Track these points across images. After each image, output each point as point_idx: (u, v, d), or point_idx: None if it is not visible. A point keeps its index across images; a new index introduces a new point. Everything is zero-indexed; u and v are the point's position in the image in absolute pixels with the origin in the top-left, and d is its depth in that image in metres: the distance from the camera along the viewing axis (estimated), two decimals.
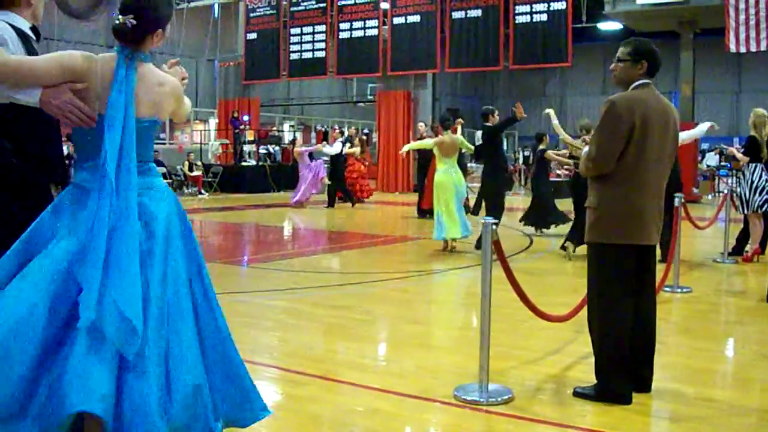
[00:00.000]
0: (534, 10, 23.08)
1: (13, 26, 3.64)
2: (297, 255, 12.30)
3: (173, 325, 3.26)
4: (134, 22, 3.40)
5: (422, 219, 16.86)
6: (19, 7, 3.76)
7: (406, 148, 14.35)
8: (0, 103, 3.33)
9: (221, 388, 3.42)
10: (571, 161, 13.06)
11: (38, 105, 3.29)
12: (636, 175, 4.77)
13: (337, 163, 20.99)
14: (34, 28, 3.81)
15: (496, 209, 11.53)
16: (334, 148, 21.10)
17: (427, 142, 13.39)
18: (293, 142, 22.07)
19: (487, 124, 11.97)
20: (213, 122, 33.67)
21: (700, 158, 29.09)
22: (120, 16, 3.42)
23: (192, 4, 32.77)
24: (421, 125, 19.43)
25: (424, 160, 16.70)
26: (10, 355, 2.95)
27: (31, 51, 3.67)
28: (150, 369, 3.08)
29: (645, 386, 4.98)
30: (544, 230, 14.54)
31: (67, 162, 4.14)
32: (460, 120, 13.35)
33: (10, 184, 3.44)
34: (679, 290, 8.62)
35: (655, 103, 4.83)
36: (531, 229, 14.58)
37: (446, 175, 11.95)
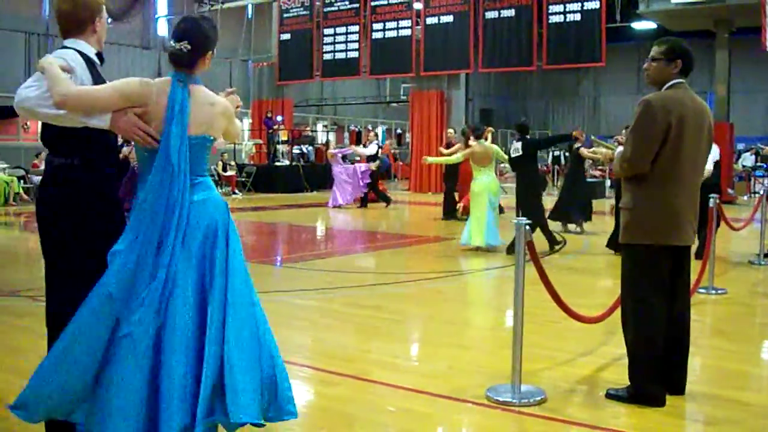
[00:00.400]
0: (567, 9, 22.99)
1: (81, 53, 4.04)
2: (330, 255, 12.34)
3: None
4: (189, 47, 3.81)
5: (448, 220, 16.80)
6: (86, 35, 4.17)
7: (431, 160, 14.36)
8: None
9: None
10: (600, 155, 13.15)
11: (108, 128, 3.70)
12: (671, 176, 4.74)
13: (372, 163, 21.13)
14: (99, 54, 4.18)
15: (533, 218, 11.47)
16: (370, 150, 21.15)
17: (456, 157, 13.70)
18: (326, 144, 22.11)
19: (527, 137, 11.86)
20: (246, 122, 33.82)
21: (735, 159, 28.83)
22: (175, 43, 3.82)
23: (226, 5, 32.98)
24: (450, 132, 19.24)
25: (452, 167, 16.74)
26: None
27: (96, 75, 4.01)
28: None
29: (678, 389, 4.95)
30: (569, 226, 14.60)
31: None
32: (490, 128, 13.26)
33: (80, 195, 3.82)
34: (714, 292, 8.56)
35: (691, 103, 4.80)
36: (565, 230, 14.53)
37: (481, 184, 12.04)
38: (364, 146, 21.64)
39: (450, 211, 17.02)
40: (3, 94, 27.82)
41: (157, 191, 3.58)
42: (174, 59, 3.84)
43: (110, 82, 3.79)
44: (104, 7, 4.25)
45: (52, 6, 31.70)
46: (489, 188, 12.00)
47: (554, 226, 14.22)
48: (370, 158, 20.96)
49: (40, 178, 19.36)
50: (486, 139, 12.67)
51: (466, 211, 15.24)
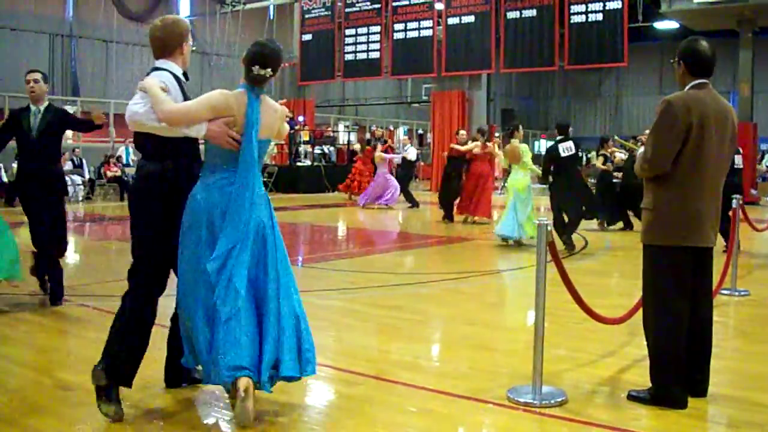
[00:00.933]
0: (589, 9, 22.94)
1: (171, 73, 4.80)
2: (351, 255, 12.37)
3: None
4: (272, 73, 4.58)
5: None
6: (174, 57, 4.96)
7: (455, 147, 15.22)
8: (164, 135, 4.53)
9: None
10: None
11: (203, 137, 4.52)
12: (693, 177, 4.72)
13: (409, 166, 21.34)
14: (184, 73, 4.97)
15: (577, 219, 12.25)
16: (411, 154, 21.66)
17: (471, 146, 15.98)
18: (374, 147, 22.09)
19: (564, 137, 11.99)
20: None
21: (759, 159, 28.62)
22: (261, 70, 4.55)
23: (248, 6, 33.09)
24: (462, 133, 19.15)
25: (453, 169, 17.01)
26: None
27: (184, 91, 4.79)
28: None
29: (700, 391, 4.93)
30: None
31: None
32: (519, 133, 13.27)
33: (168, 192, 4.62)
34: (736, 293, 8.51)
35: (713, 103, 4.77)
36: (587, 231, 14.50)
37: (510, 180, 13.06)
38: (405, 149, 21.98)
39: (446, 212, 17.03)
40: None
41: (243, 186, 4.45)
42: (257, 81, 4.60)
43: (199, 97, 4.61)
44: (190, 34, 5.09)
45: (75, 8, 31.99)
46: (515, 185, 12.56)
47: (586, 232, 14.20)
48: (406, 161, 21.21)
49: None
50: (518, 140, 13.00)
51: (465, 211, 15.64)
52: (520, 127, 13.55)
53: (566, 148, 11.82)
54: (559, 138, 12.06)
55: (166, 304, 4.88)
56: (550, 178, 12.15)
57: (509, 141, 13.02)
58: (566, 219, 12.05)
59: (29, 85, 7.55)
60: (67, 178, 22.61)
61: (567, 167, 12.08)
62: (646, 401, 4.81)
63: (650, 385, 4.86)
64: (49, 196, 7.61)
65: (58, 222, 7.76)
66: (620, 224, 15.32)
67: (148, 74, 4.79)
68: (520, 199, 12.46)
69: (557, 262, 5.10)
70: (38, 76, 7.65)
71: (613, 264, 11.09)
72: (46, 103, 7.66)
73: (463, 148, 16.06)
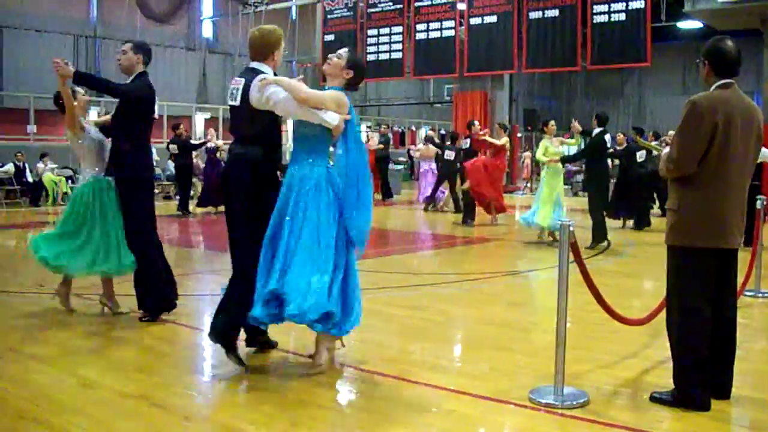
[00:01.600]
0: (612, 9, 22.83)
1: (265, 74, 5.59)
2: (373, 255, 12.36)
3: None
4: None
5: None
6: (267, 61, 5.81)
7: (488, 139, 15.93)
8: (261, 124, 5.59)
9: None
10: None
11: (334, 126, 5.40)
12: (718, 177, 4.69)
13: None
14: (274, 73, 5.71)
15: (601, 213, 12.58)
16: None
17: (502, 141, 15.95)
18: (430, 140, 22.06)
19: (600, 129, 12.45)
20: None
21: None
22: (358, 78, 5.84)
23: (270, 7, 33.18)
24: (476, 125, 18.85)
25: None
26: None
27: None
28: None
29: (724, 393, 4.90)
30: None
31: None
32: (549, 128, 13.61)
33: (262, 176, 5.59)
34: (761, 295, 8.45)
35: (739, 103, 4.74)
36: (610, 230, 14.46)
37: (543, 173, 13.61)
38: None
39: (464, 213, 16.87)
40: (53, 95, 28.35)
41: (356, 163, 5.58)
42: (353, 85, 5.84)
43: (325, 91, 5.61)
44: (282, 42, 5.96)
45: (99, 10, 32.18)
46: (543, 179, 13.33)
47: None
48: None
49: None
50: (550, 135, 13.37)
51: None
52: (551, 122, 13.78)
53: (608, 139, 12.46)
54: (600, 130, 12.43)
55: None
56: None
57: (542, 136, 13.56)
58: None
59: (117, 57, 7.18)
60: None
61: (605, 158, 12.81)
62: (669, 403, 4.79)
63: (673, 386, 4.83)
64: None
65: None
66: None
67: (241, 74, 5.70)
68: (538, 193, 13.24)
69: (579, 263, 5.09)
70: (126, 46, 7.10)
71: (636, 265, 11.04)
72: (136, 74, 7.07)
73: (498, 142, 15.95)
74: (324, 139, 5.53)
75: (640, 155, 14.67)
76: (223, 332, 5.52)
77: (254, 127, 5.58)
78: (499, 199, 16.15)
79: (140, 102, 6.96)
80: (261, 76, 5.44)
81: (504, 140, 16.19)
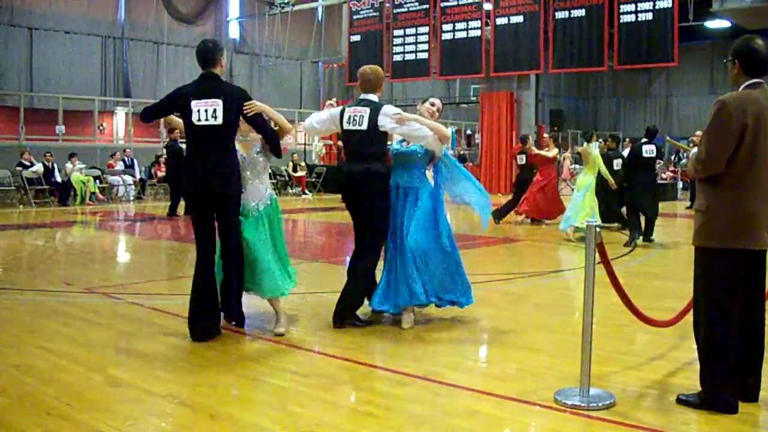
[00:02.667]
0: (639, 9, 22.75)
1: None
2: None
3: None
4: None
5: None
6: (375, 93, 7.11)
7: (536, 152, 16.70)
8: (380, 145, 7.16)
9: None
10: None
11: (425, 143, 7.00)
12: (747, 178, 4.65)
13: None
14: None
15: (654, 216, 13.40)
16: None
17: (553, 152, 16.85)
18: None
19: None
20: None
21: None
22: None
23: (297, 8, 33.27)
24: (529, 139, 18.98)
25: (527, 172, 17.07)
26: None
27: None
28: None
29: (752, 395, 4.85)
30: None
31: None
32: (594, 138, 14.50)
33: (387, 184, 7.11)
34: None
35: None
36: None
37: (579, 178, 14.46)
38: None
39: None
40: (81, 96, 28.59)
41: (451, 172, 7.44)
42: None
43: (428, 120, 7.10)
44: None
45: (127, 11, 32.39)
46: (579, 184, 14.09)
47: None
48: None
49: (115, 178, 19.82)
50: (593, 143, 14.11)
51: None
52: (594, 134, 14.69)
53: (648, 150, 13.06)
54: (644, 140, 13.25)
55: None
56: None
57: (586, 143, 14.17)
58: (643, 217, 13.21)
59: None
60: (118, 178, 23.06)
61: (647, 167, 13.40)
62: (696, 405, 4.75)
63: (700, 389, 4.79)
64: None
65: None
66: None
67: (360, 104, 7.00)
68: (575, 197, 13.83)
69: (606, 264, 5.06)
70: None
71: (664, 266, 10.97)
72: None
73: (550, 154, 16.64)
74: (425, 160, 7.14)
75: (617, 163, 14.74)
76: (348, 305, 7.03)
77: (375, 147, 7.03)
78: (561, 208, 16.19)
79: None
80: (396, 110, 6.97)
81: (554, 152, 16.80)
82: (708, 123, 4.71)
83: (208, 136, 6.29)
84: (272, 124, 6.75)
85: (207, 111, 6.22)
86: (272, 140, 6.65)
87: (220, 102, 6.24)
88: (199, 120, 6.24)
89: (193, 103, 6.26)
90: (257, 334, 6.76)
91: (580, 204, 13.50)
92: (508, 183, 27.24)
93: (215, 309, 6.50)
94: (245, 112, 6.34)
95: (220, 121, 6.23)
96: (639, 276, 9.91)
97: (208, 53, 6.38)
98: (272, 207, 6.83)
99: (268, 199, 6.80)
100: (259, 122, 6.48)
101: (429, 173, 7.24)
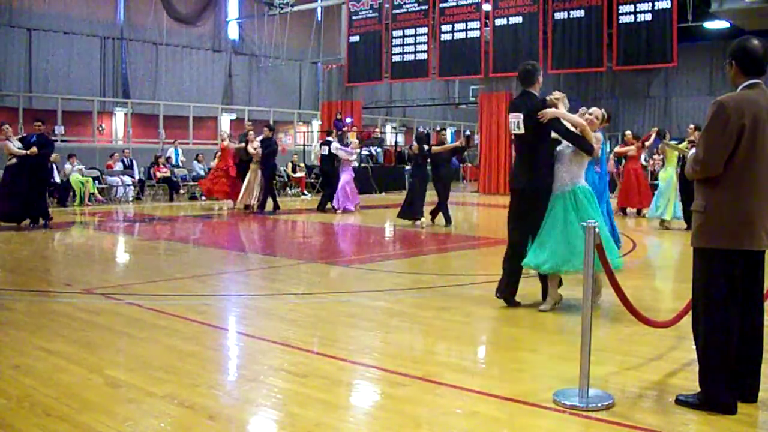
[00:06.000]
0: (638, 9, 22.80)
1: (535, 95, 7.82)
2: (398, 256, 12.38)
3: None
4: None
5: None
6: (534, 86, 7.72)
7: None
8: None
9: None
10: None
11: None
12: (746, 178, 4.65)
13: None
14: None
15: None
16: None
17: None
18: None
19: None
20: (316, 124, 34.09)
21: None
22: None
23: (296, 8, 33.27)
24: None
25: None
26: None
27: None
28: None
29: (751, 396, 4.85)
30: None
31: None
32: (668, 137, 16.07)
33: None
34: None
35: (766, 104, 4.69)
36: (636, 233, 14.43)
37: (660, 173, 16.50)
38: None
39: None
40: (80, 96, 28.60)
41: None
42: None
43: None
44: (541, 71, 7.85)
45: (126, 11, 32.39)
46: (662, 176, 16.05)
47: (635, 234, 14.09)
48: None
49: (114, 178, 19.75)
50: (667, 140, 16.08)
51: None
52: (667, 133, 16.52)
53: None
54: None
55: None
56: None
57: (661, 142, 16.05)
58: None
59: None
60: (117, 179, 23.07)
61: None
62: (695, 406, 4.75)
63: (699, 389, 4.80)
64: None
65: None
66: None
67: (520, 97, 7.82)
68: (661, 188, 15.67)
69: (605, 265, 5.07)
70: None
71: (663, 266, 10.97)
72: None
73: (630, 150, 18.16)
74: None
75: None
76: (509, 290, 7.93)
77: (549, 157, 7.74)
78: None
79: None
80: (554, 110, 7.52)
81: (632, 147, 18.18)
82: (706, 123, 4.72)
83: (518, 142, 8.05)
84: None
85: (515, 122, 7.67)
86: (573, 141, 7.56)
87: (521, 115, 7.62)
88: (513, 129, 7.79)
89: (511, 115, 7.78)
90: (257, 334, 6.77)
91: (665, 196, 15.49)
92: (506, 183, 27.24)
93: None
94: (540, 119, 7.44)
95: (522, 130, 7.63)
96: (638, 276, 9.91)
97: (527, 74, 7.79)
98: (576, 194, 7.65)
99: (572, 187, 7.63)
100: (555, 126, 7.52)
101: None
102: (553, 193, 7.60)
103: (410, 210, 16.31)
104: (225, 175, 20.44)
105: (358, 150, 20.41)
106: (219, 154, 21.23)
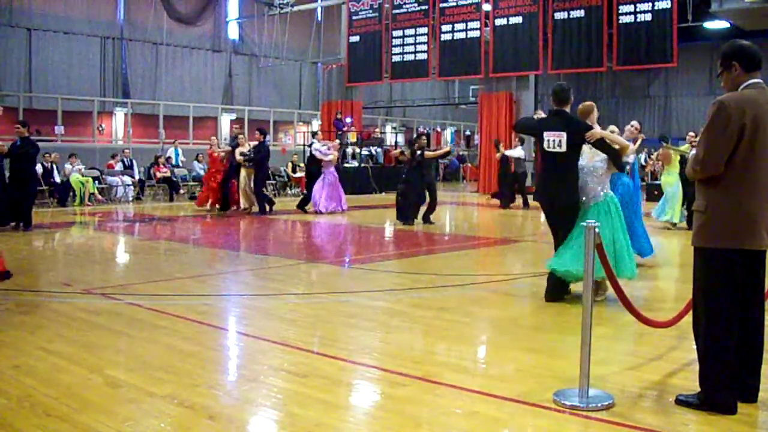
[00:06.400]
0: (638, 9, 22.79)
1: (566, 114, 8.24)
2: (398, 256, 12.37)
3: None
4: None
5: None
6: (567, 105, 8.20)
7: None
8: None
9: None
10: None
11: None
12: (746, 178, 4.65)
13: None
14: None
15: None
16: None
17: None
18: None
19: None
20: (316, 124, 34.10)
21: None
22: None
23: (296, 8, 33.27)
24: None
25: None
26: None
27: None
28: None
29: (751, 396, 4.85)
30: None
31: None
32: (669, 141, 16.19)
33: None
34: None
35: (767, 103, 4.69)
36: None
37: (663, 177, 16.47)
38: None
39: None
40: (80, 96, 28.61)
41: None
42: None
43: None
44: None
45: (126, 12, 32.40)
46: (665, 180, 16.12)
47: None
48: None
49: (114, 179, 19.68)
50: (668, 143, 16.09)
51: None
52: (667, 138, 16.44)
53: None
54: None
55: None
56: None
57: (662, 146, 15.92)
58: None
59: None
60: (117, 179, 23.06)
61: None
62: (695, 406, 4.75)
63: (699, 389, 4.80)
64: None
65: None
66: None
67: (557, 116, 8.10)
68: (667, 194, 15.70)
69: (605, 265, 5.07)
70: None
71: (663, 266, 10.96)
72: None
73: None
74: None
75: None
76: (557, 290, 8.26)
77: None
78: None
79: None
80: (600, 131, 8.04)
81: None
82: (706, 123, 4.71)
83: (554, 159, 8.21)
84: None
85: (555, 141, 8.00)
86: (615, 159, 8.08)
87: (564, 134, 7.98)
88: (552, 148, 8.08)
89: (548, 134, 8.07)
90: (257, 334, 6.77)
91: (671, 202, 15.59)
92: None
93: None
94: (588, 140, 7.94)
95: (564, 149, 7.99)
96: (639, 276, 9.90)
97: (563, 94, 8.19)
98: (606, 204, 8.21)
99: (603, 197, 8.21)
100: (600, 145, 7.95)
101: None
102: (586, 203, 8.12)
103: (402, 214, 16.76)
104: (212, 182, 20.34)
105: (335, 153, 20.19)
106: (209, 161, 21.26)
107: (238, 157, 19.15)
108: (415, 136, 19.17)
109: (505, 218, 17.38)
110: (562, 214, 8.18)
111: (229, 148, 19.82)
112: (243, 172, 19.23)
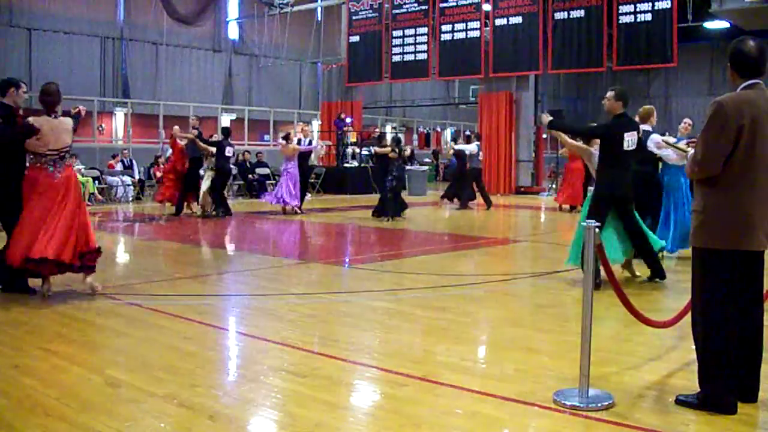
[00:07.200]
0: (638, 9, 22.81)
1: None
2: (398, 256, 12.37)
3: None
4: None
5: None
6: (648, 121, 10.57)
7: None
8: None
9: None
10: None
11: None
12: (744, 179, 4.65)
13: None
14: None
15: None
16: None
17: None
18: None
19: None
20: (316, 124, 34.10)
21: None
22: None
23: (296, 8, 33.28)
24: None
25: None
26: None
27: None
28: None
29: (751, 396, 4.85)
30: None
31: None
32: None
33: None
34: None
35: (765, 104, 4.68)
36: None
37: None
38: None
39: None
40: (80, 96, 28.60)
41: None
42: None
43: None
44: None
45: (126, 12, 32.41)
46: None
47: None
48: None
49: (114, 179, 19.44)
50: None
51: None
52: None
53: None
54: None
55: None
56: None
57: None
58: None
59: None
60: (117, 179, 22.99)
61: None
62: (695, 406, 4.75)
63: (699, 389, 4.80)
64: None
65: None
66: None
67: (628, 117, 9.10)
68: None
69: (605, 265, 5.07)
70: (609, 94, 9.56)
71: (663, 267, 10.95)
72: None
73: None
74: None
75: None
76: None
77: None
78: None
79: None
80: (659, 138, 10.13)
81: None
82: (705, 124, 4.71)
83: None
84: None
85: (632, 140, 8.86)
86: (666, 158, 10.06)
87: (635, 133, 8.96)
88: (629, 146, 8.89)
89: (629, 134, 8.89)
90: (257, 334, 6.77)
91: None
92: (506, 183, 27.30)
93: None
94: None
95: (635, 147, 8.97)
96: (638, 277, 9.90)
97: (627, 97, 9.20)
98: None
99: None
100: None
101: None
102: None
103: (381, 209, 17.91)
104: (172, 175, 19.38)
105: (317, 146, 20.36)
106: (170, 153, 20.37)
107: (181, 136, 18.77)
108: (377, 136, 19.88)
109: (504, 218, 17.37)
110: (628, 204, 9.14)
111: (191, 135, 18.92)
112: (206, 174, 18.44)
